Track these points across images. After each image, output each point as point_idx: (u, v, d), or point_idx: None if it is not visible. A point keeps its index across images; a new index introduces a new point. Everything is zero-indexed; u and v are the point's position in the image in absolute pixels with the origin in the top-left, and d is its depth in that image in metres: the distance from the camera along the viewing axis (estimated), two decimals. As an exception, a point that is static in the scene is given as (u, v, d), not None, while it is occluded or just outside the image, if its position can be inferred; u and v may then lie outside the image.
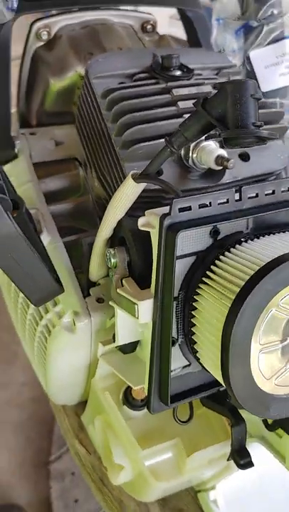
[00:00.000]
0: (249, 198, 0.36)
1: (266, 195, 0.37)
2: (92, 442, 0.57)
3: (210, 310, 0.33)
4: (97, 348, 0.46)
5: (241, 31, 0.53)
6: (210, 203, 0.35)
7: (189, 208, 0.34)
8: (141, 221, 0.37)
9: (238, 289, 0.31)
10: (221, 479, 0.50)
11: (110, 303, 0.40)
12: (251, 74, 0.51)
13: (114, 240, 0.42)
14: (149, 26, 0.60)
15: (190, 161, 0.43)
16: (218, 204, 0.35)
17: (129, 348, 0.42)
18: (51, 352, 0.47)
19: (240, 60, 0.53)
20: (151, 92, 0.43)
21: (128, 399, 0.45)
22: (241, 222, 0.37)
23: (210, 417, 0.47)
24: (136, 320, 0.37)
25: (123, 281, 0.40)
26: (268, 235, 0.37)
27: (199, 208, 0.35)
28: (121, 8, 0.59)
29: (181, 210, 0.34)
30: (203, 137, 0.36)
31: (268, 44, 0.51)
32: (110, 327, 0.45)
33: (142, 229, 0.37)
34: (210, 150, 0.41)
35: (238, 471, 0.49)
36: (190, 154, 0.43)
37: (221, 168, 0.41)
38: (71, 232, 0.51)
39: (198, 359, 0.37)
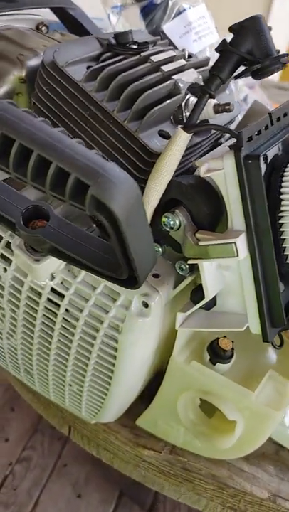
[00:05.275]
0: (277, 120, 0.41)
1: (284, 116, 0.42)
2: (165, 437, 0.55)
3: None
4: (166, 324, 0.45)
5: (146, 11, 0.57)
6: (259, 131, 0.39)
7: (251, 138, 0.37)
8: (204, 168, 0.38)
9: None
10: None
11: (191, 262, 0.40)
12: (172, 44, 0.56)
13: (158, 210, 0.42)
14: (44, 28, 0.60)
15: (184, 119, 0.46)
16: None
17: (213, 302, 0.43)
18: (125, 350, 0.44)
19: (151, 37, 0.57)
20: (133, 64, 0.44)
21: (218, 354, 0.45)
22: (276, 146, 0.41)
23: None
24: (228, 263, 0.39)
25: (197, 234, 0.40)
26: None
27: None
28: (12, 12, 0.57)
29: (248, 139, 0.37)
30: (232, 78, 0.39)
31: (174, 17, 0.57)
32: (175, 297, 0.45)
33: (206, 175, 0.38)
34: (209, 102, 0.44)
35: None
36: (183, 113, 0.46)
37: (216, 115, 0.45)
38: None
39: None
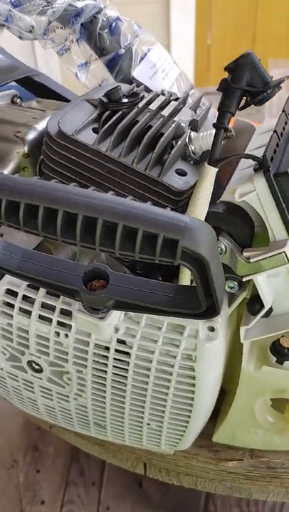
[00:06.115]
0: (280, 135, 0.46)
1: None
2: (244, 444, 0.58)
3: None
4: (228, 340, 0.48)
5: (112, 63, 0.61)
6: (274, 149, 0.43)
7: (272, 158, 0.42)
8: (237, 193, 0.42)
9: None
10: None
11: (246, 278, 0.44)
12: (146, 88, 0.60)
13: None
14: (18, 100, 0.62)
15: (190, 154, 0.50)
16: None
17: (271, 308, 0.47)
18: (203, 376, 0.47)
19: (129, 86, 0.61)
20: (136, 116, 0.48)
21: (283, 353, 0.49)
22: None
23: None
24: (277, 270, 0.43)
25: (245, 253, 0.44)
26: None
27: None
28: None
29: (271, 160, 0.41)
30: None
31: (139, 62, 0.61)
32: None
33: (241, 199, 0.42)
34: (208, 134, 0.48)
35: None
36: (189, 149, 0.49)
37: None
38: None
39: None
